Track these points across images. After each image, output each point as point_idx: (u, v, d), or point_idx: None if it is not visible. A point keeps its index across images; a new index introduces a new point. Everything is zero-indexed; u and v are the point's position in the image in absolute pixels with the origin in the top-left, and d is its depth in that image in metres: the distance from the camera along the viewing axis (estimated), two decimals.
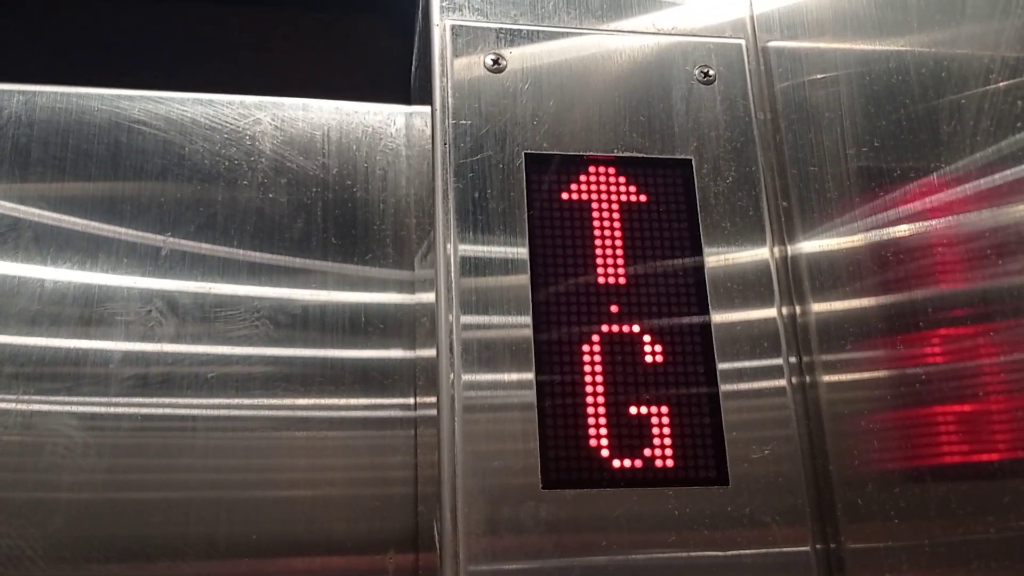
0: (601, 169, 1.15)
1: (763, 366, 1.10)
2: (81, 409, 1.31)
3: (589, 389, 1.05)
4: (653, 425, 1.05)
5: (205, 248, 1.42)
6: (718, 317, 1.11)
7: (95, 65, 1.49)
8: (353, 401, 1.38)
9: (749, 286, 1.13)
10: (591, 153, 1.16)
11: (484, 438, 1.02)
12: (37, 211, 1.40)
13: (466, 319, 1.06)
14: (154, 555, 1.27)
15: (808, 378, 1.11)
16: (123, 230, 1.41)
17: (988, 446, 0.84)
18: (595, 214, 1.13)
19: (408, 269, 1.46)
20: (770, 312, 1.13)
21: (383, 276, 1.45)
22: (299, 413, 1.36)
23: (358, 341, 1.41)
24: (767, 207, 1.17)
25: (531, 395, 1.04)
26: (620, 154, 1.16)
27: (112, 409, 1.32)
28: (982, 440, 0.85)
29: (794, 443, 1.08)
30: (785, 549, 1.04)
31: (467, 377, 1.04)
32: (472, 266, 1.08)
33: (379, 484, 1.35)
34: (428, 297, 1.17)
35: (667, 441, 1.05)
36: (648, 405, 1.06)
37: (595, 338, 1.07)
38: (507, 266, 1.09)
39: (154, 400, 1.33)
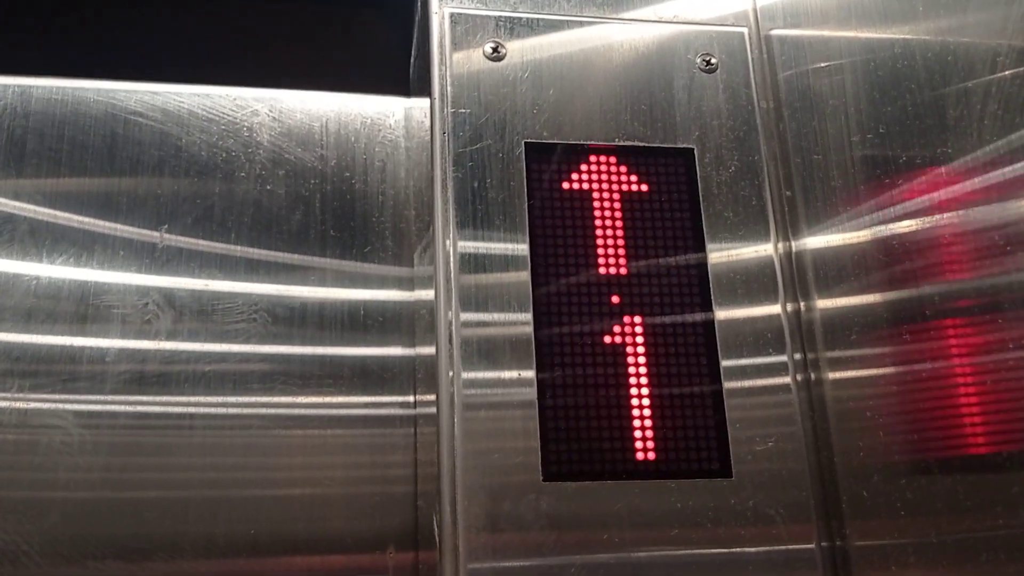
0: (602, 158, 1.14)
1: (767, 363, 1.09)
2: (77, 406, 1.30)
3: (591, 382, 1.04)
4: (655, 418, 1.04)
5: (202, 242, 1.41)
6: (721, 313, 1.10)
7: (91, 57, 1.49)
8: (352, 399, 1.37)
9: (753, 280, 1.12)
10: (592, 142, 1.15)
11: (484, 436, 1.01)
12: (32, 205, 1.39)
13: (466, 316, 1.05)
14: (152, 552, 1.26)
15: (813, 375, 1.10)
16: (119, 224, 1.40)
17: (997, 437, 0.83)
18: (596, 204, 1.12)
19: (407, 263, 1.45)
20: (774, 308, 1.11)
21: (382, 273, 1.44)
22: (298, 411, 1.35)
23: (357, 338, 1.40)
24: (770, 197, 1.16)
25: (532, 392, 1.03)
26: (621, 143, 1.15)
27: (108, 407, 1.31)
28: (990, 431, 0.83)
29: (799, 439, 1.07)
30: (791, 547, 1.02)
31: (467, 375, 1.03)
32: (472, 262, 1.07)
33: (378, 482, 1.34)
34: (427, 294, 1.17)
35: (670, 434, 1.04)
36: (651, 399, 1.05)
37: (596, 332, 1.06)
38: (507, 262, 1.08)
39: (151, 397, 1.32)
